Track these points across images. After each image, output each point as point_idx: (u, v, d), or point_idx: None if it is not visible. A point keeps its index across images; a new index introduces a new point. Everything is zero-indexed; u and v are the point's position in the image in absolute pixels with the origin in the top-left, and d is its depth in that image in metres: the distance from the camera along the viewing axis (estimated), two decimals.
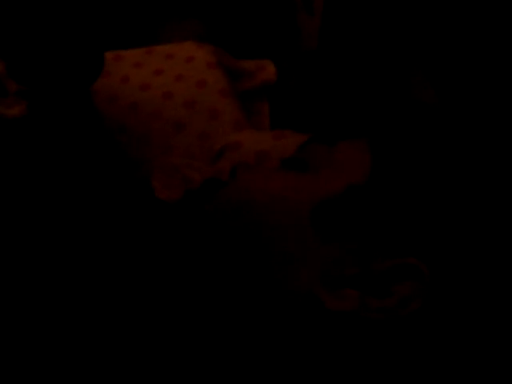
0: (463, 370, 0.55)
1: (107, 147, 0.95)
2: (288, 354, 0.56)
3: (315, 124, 0.96)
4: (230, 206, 0.61)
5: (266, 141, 0.87)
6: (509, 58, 0.79)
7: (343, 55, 1.06)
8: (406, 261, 0.55)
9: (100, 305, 0.62)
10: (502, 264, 0.56)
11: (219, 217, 0.61)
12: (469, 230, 0.57)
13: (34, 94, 0.76)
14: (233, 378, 0.57)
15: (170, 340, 0.59)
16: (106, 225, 0.72)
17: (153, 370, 0.58)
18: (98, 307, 0.62)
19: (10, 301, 0.62)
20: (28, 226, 0.68)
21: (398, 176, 0.59)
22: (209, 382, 0.58)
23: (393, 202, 0.58)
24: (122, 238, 0.73)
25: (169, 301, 0.61)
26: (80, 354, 0.59)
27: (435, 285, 0.55)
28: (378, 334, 0.55)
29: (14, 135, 0.74)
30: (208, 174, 0.79)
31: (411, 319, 0.55)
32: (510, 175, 0.60)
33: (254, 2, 1.32)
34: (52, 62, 0.80)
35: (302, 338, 0.56)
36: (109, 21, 1.17)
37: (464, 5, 0.83)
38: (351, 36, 1.07)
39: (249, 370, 0.57)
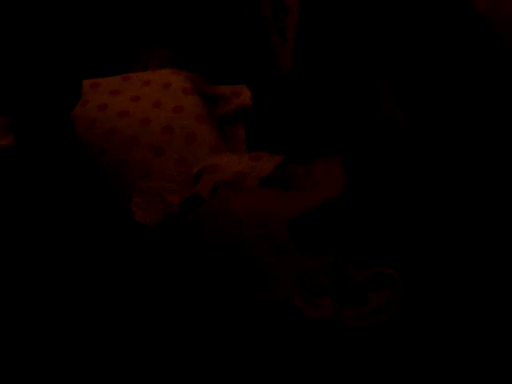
0: (438, 378, 0.57)
1: (88, 172, 0.96)
2: (269, 362, 0.58)
3: (291, 145, 0.98)
4: (210, 219, 0.63)
5: (243, 162, 0.89)
6: (477, 78, 0.82)
7: (316, 78, 1.08)
8: (380, 270, 0.57)
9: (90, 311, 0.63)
10: (474, 272, 0.58)
11: (199, 229, 0.63)
12: (440, 239, 0.59)
13: (20, 126, 0.78)
14: None
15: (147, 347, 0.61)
16: (89, 247, 0.73)
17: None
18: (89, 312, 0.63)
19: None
20: (15, 250, 0.69)
21: (371, 191, 0.61)
22: None
23: (366, 216, 0.60)
24: (104, 261, 0.74)
25: (149, 310, 0.63)
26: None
27: (409, 293, 0.57)
28: (356, 341, 0.57)
29: (2, 165, 0.76)
30: (187, 196, 0.81)
31: (387, 327, 0.56)
32: (479, 188, 0.63)
33: (228, 27, 1.34)
34: (32, 90, 0.81)
35: (283, 346, 0.58)
36: (85, 49, 1.19)
37: (429, 31, 0.86)
38: (324, 60, 1.09)
39: (230, 378, 0.58)
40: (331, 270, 0.58)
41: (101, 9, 1.29)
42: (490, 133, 0.79)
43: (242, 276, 0.60)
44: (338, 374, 0.57)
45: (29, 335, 0.62)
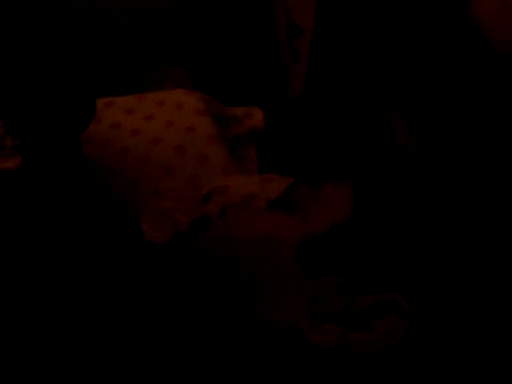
0: None
1: (98, 192, 0.96)
2: None
3: (301, 168, 0.98)
4: (218, 240, 0.63)
5: (253, 184, 0.89)
6: (487, 105, 0.82)
7: (328, 101, 1.09)
8: (387, 296, 0.57)
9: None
10: (483, 300, 0.58)
11: (207, 250, 0.63)
12: (450, 265, 0.59)
13: (28, 147, 0.79)
14: None
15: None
16: (99, 266, 0.73)
17: None
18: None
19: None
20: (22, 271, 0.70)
21: (380, 214, 0.61)
22: None
23: (374, 240, 0.60)
24: (115, 280, 0.75)
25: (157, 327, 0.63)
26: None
27: (416, 320, 0.57)
28: (360, 369, 0.57)
29: (9, 188, 0.76)
30: (196, 216, 0.81)
31: (391, 354, 0.56)
32: (487, 214, 0.63)
33: (242, 50, 1.35)
34: (45, 110, 0.82)
35: (285, 372, 0.58)
36: (100, 68, 1.20)
37: (441, 52, 0.86)
38: (336, 83, 1.10)
39: None
40: (338, 294, 0.58)
41: (118, 28, 1.31)
42: (498, 159, 0.79)
43: (246, 297, 0.60)
44: None
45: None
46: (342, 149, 0.94)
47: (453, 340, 0.57)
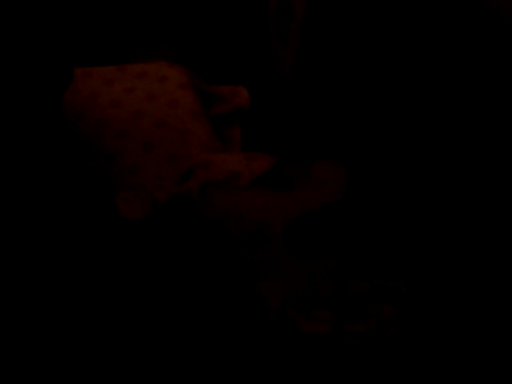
0: None
1: (75, 163, 0.92)
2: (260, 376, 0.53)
3: (288, 148, 0.93)
4: (200, 222, 0.58)
5: (238, 161, 0.84)
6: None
7: (319, 83, 1.05)
8: (385, 282, 0.52)
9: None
10: (481, 284, 0.54)
11: (188, 233, 0.58)
12: (446, 248, 0.54)
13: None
14: None
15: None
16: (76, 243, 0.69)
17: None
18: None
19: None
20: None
21: (375, 192, 0.56)
22: None
23: (369, 220, 0.55)
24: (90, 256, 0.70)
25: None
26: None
27: (415, 308, 0.52)
28: (354, 359, 0.52)
29: None
30: (175, 192, 0.76)
31: (388, 345, 0.51)
32: (492, 196, 0.58)
33: (228, 30, 1.31)
34: (20, 73, 0.78)
35: (275, 360, 0.53)
36: (82, 40, 1.15)
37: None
38: (328, 66, 1.06)
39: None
40: (330, 278, 0.53)
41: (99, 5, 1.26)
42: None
43: (232, 281, 0.55)
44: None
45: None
46: (331, 127, 0.89)
47: (453, 335, 0.52)
